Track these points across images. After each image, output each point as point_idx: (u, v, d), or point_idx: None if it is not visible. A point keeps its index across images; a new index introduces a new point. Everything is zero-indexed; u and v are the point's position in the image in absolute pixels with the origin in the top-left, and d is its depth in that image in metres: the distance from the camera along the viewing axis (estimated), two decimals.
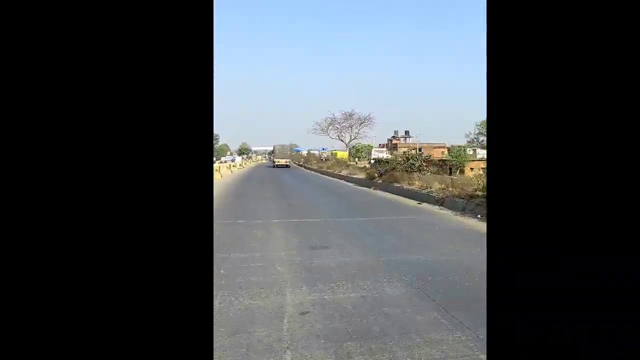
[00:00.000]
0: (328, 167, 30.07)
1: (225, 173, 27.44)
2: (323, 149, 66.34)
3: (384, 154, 49.29)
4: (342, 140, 57.98)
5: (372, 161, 45.13)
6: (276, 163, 42.09)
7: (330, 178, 23.63)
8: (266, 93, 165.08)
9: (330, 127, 57.98)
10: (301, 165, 47.14)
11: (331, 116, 58.37)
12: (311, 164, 40.61)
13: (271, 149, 70.91)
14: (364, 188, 16.12)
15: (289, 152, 47.06)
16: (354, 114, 56.52)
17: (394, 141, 78.90)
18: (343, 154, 52.40)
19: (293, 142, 60.26)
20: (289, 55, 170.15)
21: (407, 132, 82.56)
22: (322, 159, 47.22)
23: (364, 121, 56.59)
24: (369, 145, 62.27)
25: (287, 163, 42.85)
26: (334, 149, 60.39)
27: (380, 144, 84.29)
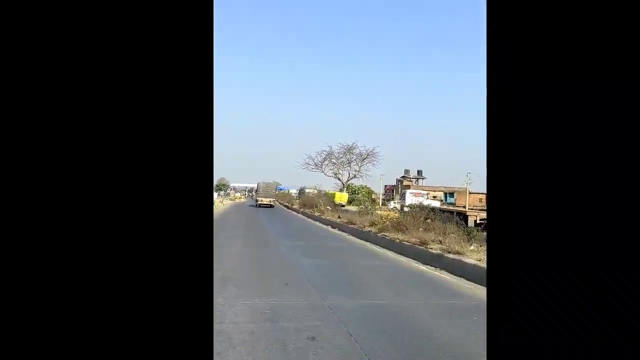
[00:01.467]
0: (382, 229, 11.44)
1: None
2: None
3: (425, 199, 31.46)
4: (339, 179, 51.20)
5: (407, 209, 26.98)
6: (259, 202, 40.65)
7: None
8: (248, 125, 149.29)
9: (326, 162, 50.98)
10: (291, 208, 39.93)
11: (327, 149, 52.16)
12: (320, 212, 22.43)
13: (252, 186, 67.33)
14: None
15: (274, 191, 45.09)
16: (354, 148, 49.68)
17: (405, 182, 62.26)
18: (342, 196, 43.80)
19: (275, 180, 54.65)
20: (276, 81, 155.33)
21: (419, 172, 67.06)
22: (337, 204, 29.55)
23: (366, 156, 49.58)
24: (364, 186, 55.59)
25: (271, 203, 41.55)
26: (325, 188, 53.31)
27: (386, 186, 66.84)
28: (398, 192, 66.37)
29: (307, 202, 33.47)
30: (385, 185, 69.85)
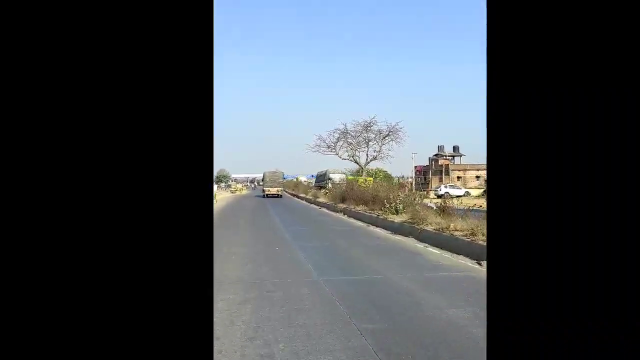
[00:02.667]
0: None
1: None
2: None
3: None
4: (356, 162, 43.35)
5: None
6: (267, 192, 38.14)
7: None
8: (245, 112, 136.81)
9: (341, 143, 42.66)
10: (315, 202, 28.87)
11: (342, 127, 43.65)
12: (416, 218, 9.63)
13: (253, 176, 66.69)
14: None
15: (280, 180, 41.45)
16: (372, 125, 41.19)
17: (440, 161, 49.73)
18: (367, 180, 32.14)
19: (278, 169, 46.14)
20: (279, 62, 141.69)
21: (455, 149, 56.11)
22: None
23: (388, 134, 40.63)
24: (381, 169, 46.32)
25: (279, 192, 38.62)
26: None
27: (416, 167, 54.19)
28: (440, 173, 54.01)
29: (353, 195, 19.14)
30: (416, 167, 57.47)
